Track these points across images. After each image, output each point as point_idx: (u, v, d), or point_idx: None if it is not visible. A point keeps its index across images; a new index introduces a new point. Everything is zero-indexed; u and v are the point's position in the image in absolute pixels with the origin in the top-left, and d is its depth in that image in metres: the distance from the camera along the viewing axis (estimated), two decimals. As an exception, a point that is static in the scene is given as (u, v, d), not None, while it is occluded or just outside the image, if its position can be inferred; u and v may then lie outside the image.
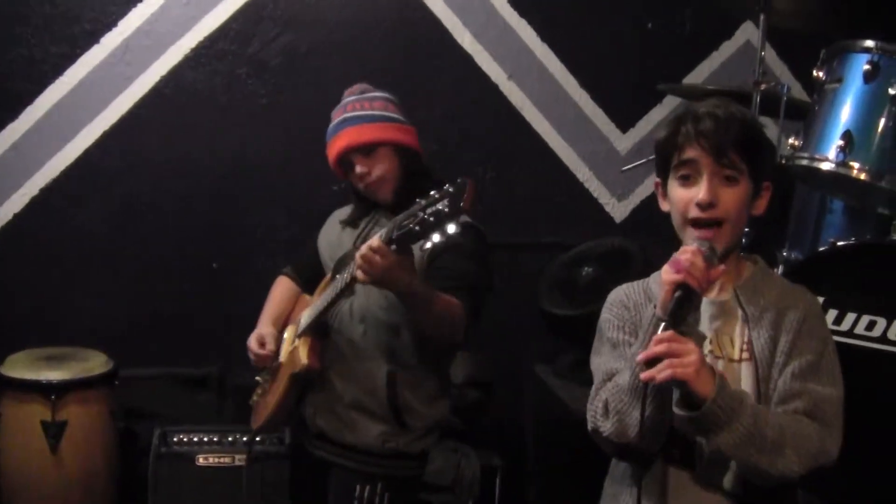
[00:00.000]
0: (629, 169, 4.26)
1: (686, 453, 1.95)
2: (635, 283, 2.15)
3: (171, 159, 4.32)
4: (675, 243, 4.28)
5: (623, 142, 4.65)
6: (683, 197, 1.98)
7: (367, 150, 2.96)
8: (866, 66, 3.13)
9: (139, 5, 4.22)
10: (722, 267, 1.93)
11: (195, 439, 3.81)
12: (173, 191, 4.33)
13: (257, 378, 3.23)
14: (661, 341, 1.79)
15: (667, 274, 1.87)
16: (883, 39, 3.18)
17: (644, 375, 1.78)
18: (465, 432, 3.63)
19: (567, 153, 4.62)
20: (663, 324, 1.82)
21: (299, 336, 2.99)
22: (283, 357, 3.07)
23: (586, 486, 3.68)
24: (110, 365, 3.84)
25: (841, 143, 3.12)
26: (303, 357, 2.90)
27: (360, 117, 2.99)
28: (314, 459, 3.02)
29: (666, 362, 1.77)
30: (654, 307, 1.91)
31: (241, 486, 3.73)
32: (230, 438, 3.84)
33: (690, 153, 1.96)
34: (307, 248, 3.27)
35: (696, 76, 4.63)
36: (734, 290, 2.01)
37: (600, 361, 2.07)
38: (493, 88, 4.54)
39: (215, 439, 3.83)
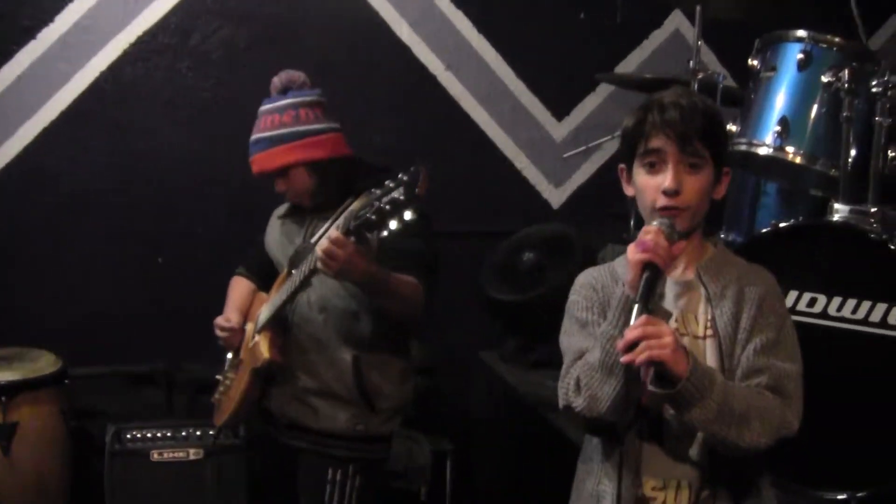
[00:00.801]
0: (571, 155, 4.37)
1: (654, 427, 2.03)
2: (601, 266, 2.22)
3: (112, 155, 4.30)
4: (611, 227, 4.41)
5: (559, 130, 4.76)
6: (650, 184, 2.05)
7: (279, 172, 3.01)
8: (800, 56, 3.27)
9: (76, 0, 4.19)
10: (683, 242, 2.02)
11: (148, 435, 3.80)
12: (116, 187, 4.31)
13: (218, 377, 3.26)
14: (636, 327, 1.86)
15: (634, 254, 1.94)
16: (813, 29, 3.32)
17: (624, 359, 1.86)
18: (415, 419, 3.70)
19: (504, 142, 4.73)
20: (636, 305, 1.90)
21: (259, 332, 3.02)
22: (243, 353, 3.10)
23: (535, 466, 3.81)
24: (59, 364, 3.81)
25: (778, 128, 3.26)
26: (264, 352, 2.94)
27: (269, 139, 3.00)
28: (282, 449, 3.06)
29: (643, 344, 1.85)
30: (621, 286, 1.99)
31: (196, 480, 3.77)
32: (184, 433, 3.83)
33: (656, 142, 2.03)
34: (256, 248, 3.30)
35: (628, 65, 4.78)
36: (697, 270, 2.09)
37: (570, 341, 2.13)
38: (431, 79, 4.62)
39: (169, 434, 3.82)
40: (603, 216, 4.47)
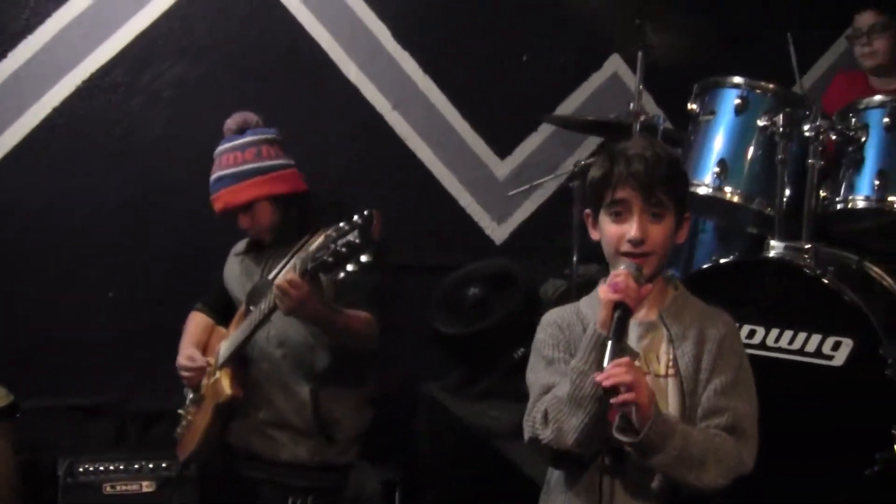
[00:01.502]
0: (516, 193, 4.51)
1: (616, 460, 2.11)
2: (566, 306, 2.32)
3: (65, 190, 4.33)
4: (552, 263, 4.52)
5: (501, 168, 4.90)
6: (616, 232, 2.16)
7: (244, 208, 3.11)
8: (737, 101, 3.42)
9: (30, 36, 4.23)
10: (650, 285, 2.13)
11: (101, 468, 3.81)
12: (68, 221, 4.33)
13: (180, 411, 3.32)
14: (623, 367, 1.96)
15: (606, 294, 2.05)
16: (746, 75, 3.49)
17: (614, 400, 1.95)
18: (364, 449, 3.77)
19: (449, 179, 4.85)
20: (610, 343, 2.00)
21: (220, 367, 3.09)
22: (204, 389, 3.16)
23: (482, 494, 3.90)
24: (11, 398, 3.80)
25: (717, 169, 3.40)
26: (226, 387, 3.02)
27: (233, 176, 3.10)
28: (239, 481, 3.12)
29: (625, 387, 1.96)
30: (593, 324, 2.08)
31: (148, 512, 3.80)
32: (136, 466, 3.84)
33: (622, 193, 2.14)
34: (214, 284, 3.37)
35: (569, 105, 4.94)
36: (659, 313, 2.20)
37: (537, 377, 2.21)
38: (379, 118, 4.73)
39: (121, 467, 3.83)
40: (544, 252, 4.61)
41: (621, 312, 2.03)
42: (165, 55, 4.41)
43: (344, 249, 2.49)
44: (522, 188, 4.50)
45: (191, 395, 3.25)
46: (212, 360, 3.17)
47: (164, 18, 4.40)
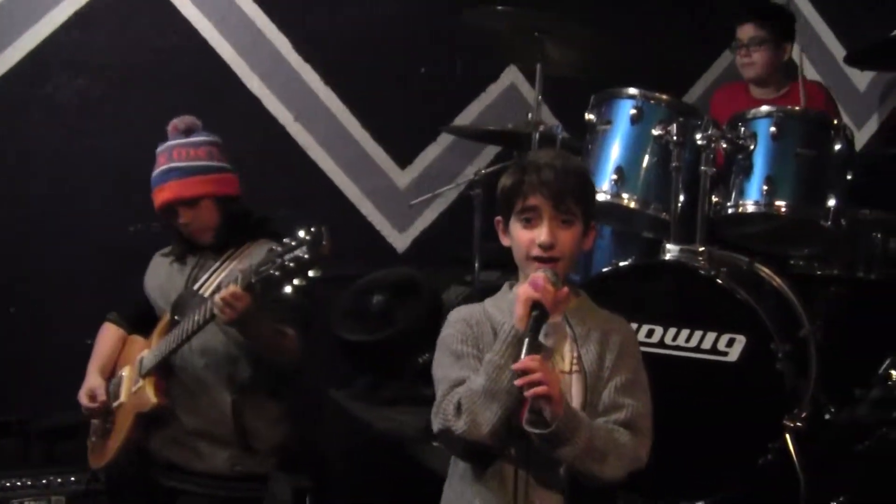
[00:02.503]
0: (417, 202, 4.60)
1: (524, 451, 2.19)
2: (473, 305, 2.40)
3: (-37, 204, 4.26)
4: (453, 270, 4.62)
5: (402, 177, 4.99)
6: (527, 237, 2.27)
7: (191, 202, 3.14)
8: (632, 111, 3.54)
9: (-76, 50, 4.17)
10: (566, 289, 2.24)
11: (8, 485, 3.75)
12: (-32, 236, 4.27)
13: (94, 420, 3.30)
14: (537, 362, 2.06)
15: (525, 292, 2.16)
16: (642, 86, 3.63)
17: (529, 393, 2.05)
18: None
19: (351, 189, 4.92)
20: (527, 340, 2.10)
21: (144, 376, 3.10)
22: (124, 397, 3.17)
23: (393, 497, 3.97)
24: (-88, 418, 3.75)
25: (614, 177, 3.51)
26: (151, 396, 3.04)
27: (185, 169, 3.15)
28: (156, 490, 3.13)
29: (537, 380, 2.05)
30: (510, 321, 2.17)
31: (59, 526, 3.76)
32: (44, 481, 3.79)
33: (533, 201, 2.24)
34: (131, 293, 3.38)
35: (467, 116, 5.06)
36: (565, 315, 2.30)
37: (446, 372, 2.28)
38: (281, 130, 4.78)
39: (29, 483, 3.78)
40: (445, 260, 4.71)
41: (538, 312, 2.13)
42: (67, 67, 4.38)
43: (292, 265, 2.53)
44: (423, 197, 4.60)
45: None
46: (128, 369, 3.18)
47: (62, 30, 4.37)
